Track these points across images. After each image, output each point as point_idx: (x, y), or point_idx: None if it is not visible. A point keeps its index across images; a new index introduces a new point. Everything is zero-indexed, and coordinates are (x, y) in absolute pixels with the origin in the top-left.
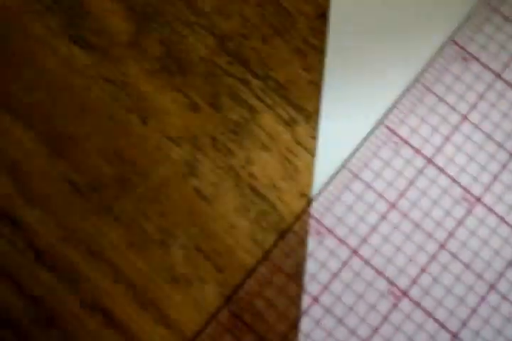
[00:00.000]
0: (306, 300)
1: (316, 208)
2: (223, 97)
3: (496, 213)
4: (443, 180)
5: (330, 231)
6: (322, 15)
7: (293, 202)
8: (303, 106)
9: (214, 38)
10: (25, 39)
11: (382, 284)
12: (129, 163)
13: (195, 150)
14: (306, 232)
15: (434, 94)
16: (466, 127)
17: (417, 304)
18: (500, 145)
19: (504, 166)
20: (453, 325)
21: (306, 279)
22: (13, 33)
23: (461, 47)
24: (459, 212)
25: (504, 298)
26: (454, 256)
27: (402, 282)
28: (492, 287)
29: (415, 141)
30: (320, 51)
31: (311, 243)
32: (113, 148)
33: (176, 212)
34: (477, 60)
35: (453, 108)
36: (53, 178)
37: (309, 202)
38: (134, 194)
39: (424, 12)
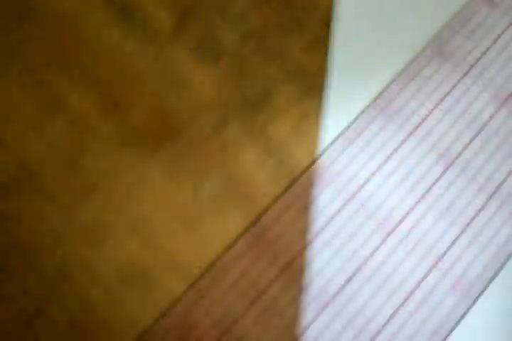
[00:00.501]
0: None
1: (322, 162)
2: (250, 76)
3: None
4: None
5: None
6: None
7: (303, 157)
8: (313, 84)
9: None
10: (89, 26)
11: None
12: (173, 116)
13: (226, 112)
14: (314, 179)
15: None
16: (388, 166)
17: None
18: (417, 182)
19: (419, 199)
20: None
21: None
22: (80, 22)
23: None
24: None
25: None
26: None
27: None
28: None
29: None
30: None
31: (318, 188)
32: (160, 107)
33: (212, 161)
34: (399, 114)
35: (379, 150)
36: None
37: (317, 156)
38: (178, 141)
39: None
